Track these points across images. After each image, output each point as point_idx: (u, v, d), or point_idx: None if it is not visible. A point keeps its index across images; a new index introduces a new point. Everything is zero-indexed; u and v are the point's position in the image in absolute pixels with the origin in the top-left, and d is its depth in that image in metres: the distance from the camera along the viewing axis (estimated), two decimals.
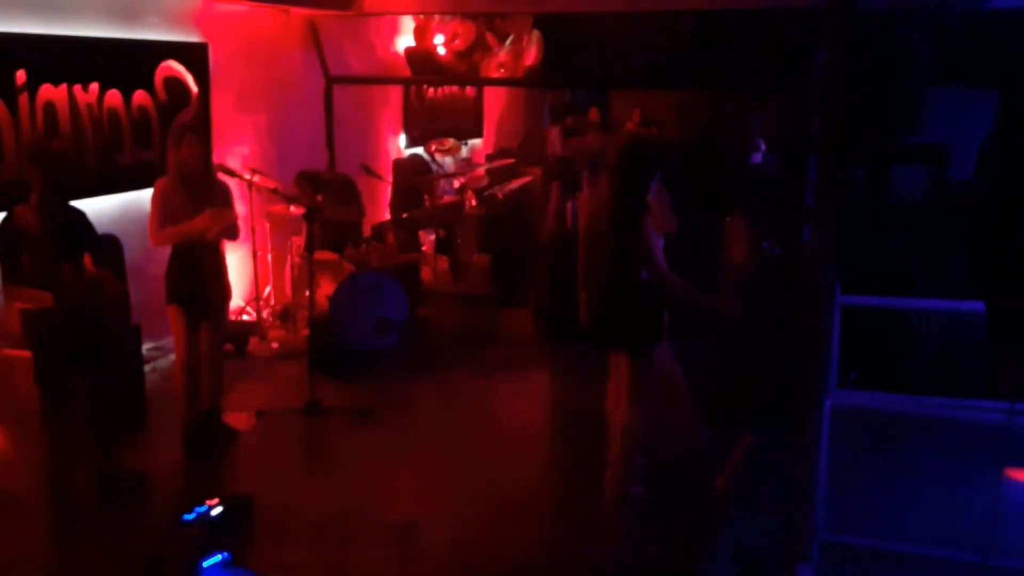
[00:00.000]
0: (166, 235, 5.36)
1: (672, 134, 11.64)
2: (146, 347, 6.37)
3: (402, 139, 10.76)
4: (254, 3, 7.78)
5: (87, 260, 4.70)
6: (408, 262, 8.47)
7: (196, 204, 5.36)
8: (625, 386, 4.91)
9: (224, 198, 5.57)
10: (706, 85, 9.98)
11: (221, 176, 5.85)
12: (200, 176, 5.45)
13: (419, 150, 10.78)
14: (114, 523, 4.71)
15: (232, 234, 5.63)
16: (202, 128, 7.11)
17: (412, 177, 9.89)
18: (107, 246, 5.10)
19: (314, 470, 5.56)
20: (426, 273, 9.46)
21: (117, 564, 4.33)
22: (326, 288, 7.28)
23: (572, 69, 11.23)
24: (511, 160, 11.32)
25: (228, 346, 6.82)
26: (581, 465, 5.47)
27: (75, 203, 4.90)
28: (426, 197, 9.49)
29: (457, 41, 10.52)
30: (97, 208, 5.23)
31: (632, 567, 4.52)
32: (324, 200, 7.52)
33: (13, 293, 4.63)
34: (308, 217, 6.26)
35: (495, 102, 13.37)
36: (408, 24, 10.57)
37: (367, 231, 8.55)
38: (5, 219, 4.65)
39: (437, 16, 10.32)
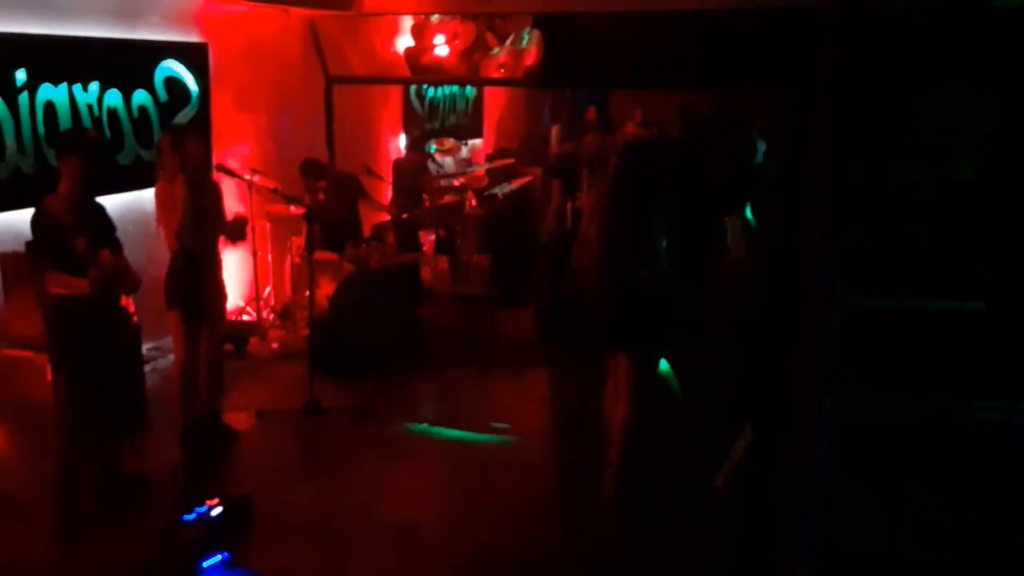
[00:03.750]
0: (178, 236, 5.39)
1: (672, 134, 11.62)
2: (146, 347, 6.37)
3: (402, 139, 10.76)
4: (254, 3, 7.77)
5: (105, 252, 4.79)
6: (408, 262, 8.47)
7: (197, 203, 5.37)
8: (623, 386, 4.91)
9: (216, 198, 5.62)
10: (706, 85, 9.95)
11: (216, 176, 5.88)
12: (202, 176, 5.47)
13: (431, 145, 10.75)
14: (114, 523, 4.70)
15: (241, 235, 5.78)
16: (203, 128, 7.13)
17: (412, 177, 9.89)
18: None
19: (314, 470, 5.56)
20: (426, 273, 9.46)
21: (117, 564, 4.33)
22: (326, 288, 7.28)
23: (572, 69, 11.21)
24: (511, 160, 11.31)
25: (228, 346, 6.83)
26: (581, 465, 5.47)
27: None
28: (426, 197, 9.49)
29: (457, 41, 10.51)
30: None
31: (632, 567, 4.52)
32: (327, 197, 7.54)
33: (49, 279, 4.74)
34: (308, 217, 6.27)
35: (495, 102, 13.37)
36: (408, 24, 10.56)
37: (367, 231, 8.55)
38: (37, 209, 4.77)
39: (437, 16, 10.32)
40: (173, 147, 5.35)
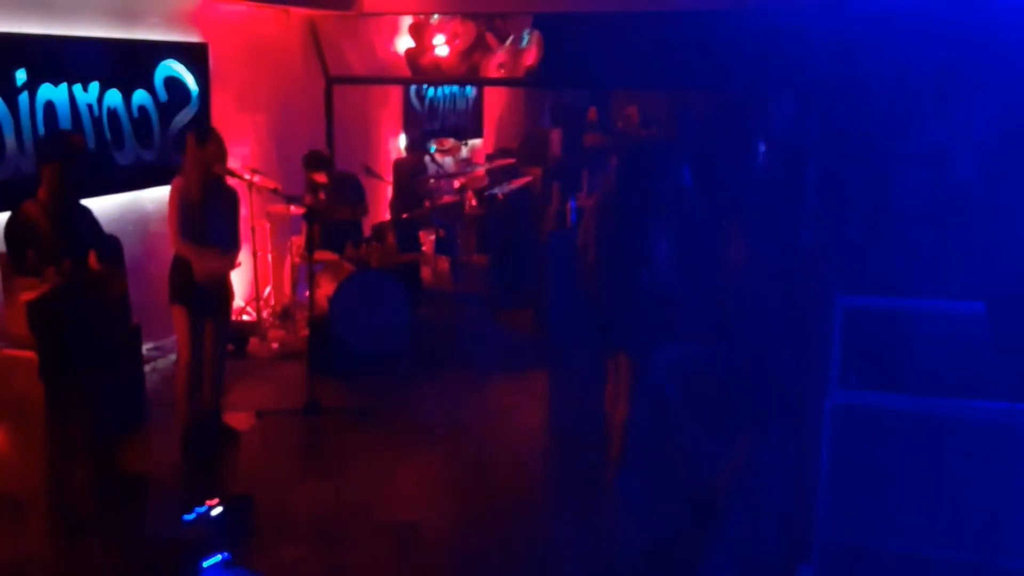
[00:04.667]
0: (188, 248, 5.35)
1: (672, 134, 11.64)
2: (146, 347, 6.37)
3: (402, 139, 10.77)
4: (254, 3, 7.78)
5: (92, 257, 4.73)
6: (408, 262, 8.47)
7: (211, 204, 5.37)
8: (623, 386, 4.92)
9: (233, 203, 5.60)
10: (706, 85, 9.97)
11: (228, 181, 5.86)
12: (217, 176, 5.47)
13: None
14: (114, 523, 4.70)
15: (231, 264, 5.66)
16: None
17: (412, 177, 9.89)
18: (110, 245, 5.13)
19: (314, 470, 5.56)
20: (426, 273, 9.46)
21: (117, 564, 4.33)
22: (326, 288, 7.28)
23: (572, 69, 11.23)
24: (511, 160, 11.32)
25: (228, 346, 6.82)
26: (581, 465, 5.47)
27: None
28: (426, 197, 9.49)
29: (457, 41, 10.53)
30: (97, 208, 5.22)
31: (632, 567, 4.52)
32: (327, 197, 7.53)
33: (18, 284, 4.67)
34: (308, 217, 6.27)
35: (495, 102, 13.37)
36: (408, 24, 10.57)
37: (367, 231, 8.55)
38: (13, 214, 4.68)
39: (437, 16, 10.33)
40: (198, 145, 5.34)
